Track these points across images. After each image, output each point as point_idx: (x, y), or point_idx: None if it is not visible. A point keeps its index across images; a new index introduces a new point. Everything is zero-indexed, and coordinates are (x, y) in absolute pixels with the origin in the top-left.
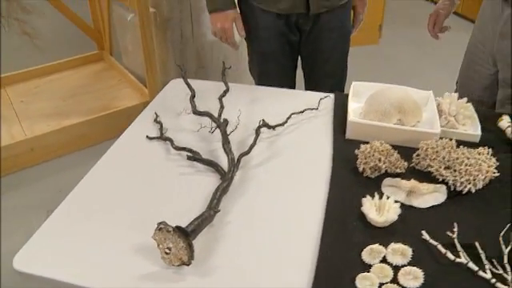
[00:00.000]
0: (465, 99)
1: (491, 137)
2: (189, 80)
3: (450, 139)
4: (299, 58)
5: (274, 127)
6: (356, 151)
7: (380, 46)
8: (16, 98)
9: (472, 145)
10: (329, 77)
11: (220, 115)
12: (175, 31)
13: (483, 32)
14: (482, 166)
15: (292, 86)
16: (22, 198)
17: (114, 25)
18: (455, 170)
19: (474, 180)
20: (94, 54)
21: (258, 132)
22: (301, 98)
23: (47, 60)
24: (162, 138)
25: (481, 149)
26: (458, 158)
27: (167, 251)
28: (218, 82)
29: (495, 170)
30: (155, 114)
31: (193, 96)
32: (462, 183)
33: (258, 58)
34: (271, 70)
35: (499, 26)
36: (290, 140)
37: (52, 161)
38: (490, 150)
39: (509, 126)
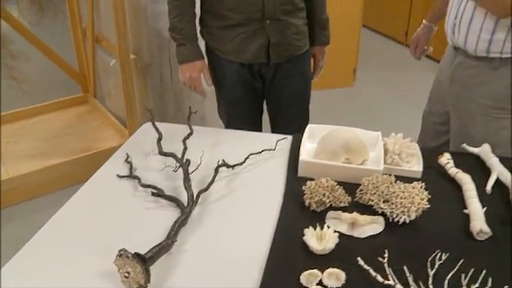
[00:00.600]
0: (409, 139)
1: (433, 172)
2: (162, 123)
3: (390, 175)
4: (265, 103)
5: (232, 166)
6: (303, 187)
7: (355, 89)
8: (2, 138)
9: (414, 180)
10: (292, 121)
11: (183, 156)
12: (155, 76)
13: (442, 74)
14: (415, 199)
15: (258, 129)
16: (4, 234)
17: (98, 69)
18: (392, 203)
19: (408, 211)
20: (79, 97)
21: (216, 171)
22: (261, 139)
23: (34, 102)
24: (131, 176)
25: (415, 183)
26: (394, 192)
27: (126, 275)
28: (194, 126)
29: (427, 202)
30: (126, 154)
31: (159, 139)
32: (397, 214)
33: (225, 103)
34: (238, 115)
35: (450, 72)
36: (247, 178)
37: (34, 200)
38: (423, 184)
39: (448, 163)
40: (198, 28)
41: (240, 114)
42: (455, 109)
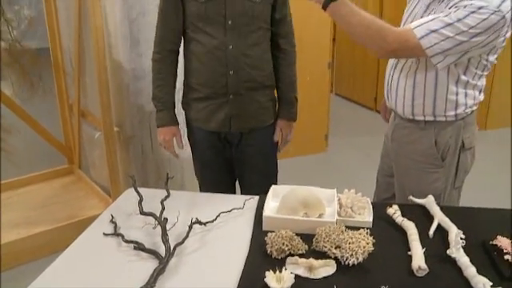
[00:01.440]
0: (360, 194)
1: (382, 222)
2: (143, 188)
3: (340, 225)
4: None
5: (205, 223)
6: (265, 238)
7: (328, 154)
8: None
9: (368, 229)
10: (258, 185)
11: (161, 215)
12: (137, 147)
13: (387, 133)
14: (361, 243)
15: (231, 189)
16: None
17: (84, 142)
18: (342, 248)
19: (356, 254)
20: (65, 168)
21: (190, 227)
22: (231, 200)
23: (22, 173)
24: (115, 234)
25: (361, 230)
26: (344, 239)
27: None
28: (172, 190)
29: (372, 246)
30: (111, 215)
31: (140, 201)
32: (347, 258)
33: (199, 166)
34: (210, 177)
35: (391, 131)
36: (218, 233)
37: (20, 267)
38: (368, 230)
39: (394, 213)
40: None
41: (211, 175)
42: (395, 164)
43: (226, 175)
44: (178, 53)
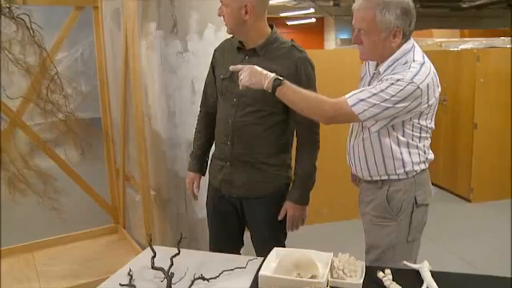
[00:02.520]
0: (353, 257)
1: (373, 285)
2: (164, 247)
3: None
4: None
5: (208, 279)
6: None
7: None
8: (40, 261)
9: None
10: (263, 245)
11: (169, 269)
12: (172, 209)
13: None
14: None
15: (237, 241)
16: None
17: (127, 203)
18: None
19: None
20: (110, 227)
21: (193, 282)
22: (237, 260)
23: (70, 230)
24: (129, 285)
25: None
26: None
27: None
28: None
29: None
30: (129, 268)
31: (153, 256)
32: None
33: (208, 215)
34: (215, 231)
35: (359, 194)
36: None
37: None
38: None
39: (384, 276)
40: None
41: (215, 225)
42: (363, 223)
43: (230, 228)
44: (212, 115)
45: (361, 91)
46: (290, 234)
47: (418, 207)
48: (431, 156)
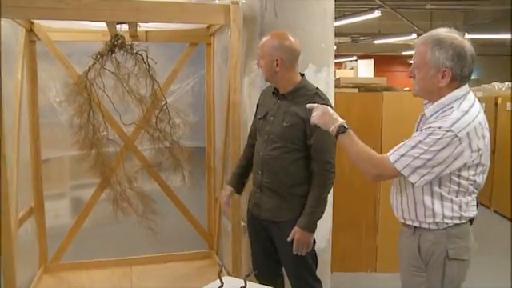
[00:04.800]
0: None
1: None
2: (235, 278)
3: None
4: None
5: None
6: None
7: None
8: (136, 275)
9: None
10: (292, 276)
11: None
12: None
13: None
14: None
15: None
16: None
17: (222, 231)
18: None
19: None
20: (204, 252)
21: None
22: None
23: (166, 250)
24: None
25: None
26: None
27: None
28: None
29: None
30: None
31: (220, 286)
32: None
33: (249, 236)
34: (255, 246)
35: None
36: None
37: None
38: None
39: None
40: None
41: (255, 247)
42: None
43: (265, 244)
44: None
45: (401, 146)
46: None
47: (451, 261)
48: (471, 214)
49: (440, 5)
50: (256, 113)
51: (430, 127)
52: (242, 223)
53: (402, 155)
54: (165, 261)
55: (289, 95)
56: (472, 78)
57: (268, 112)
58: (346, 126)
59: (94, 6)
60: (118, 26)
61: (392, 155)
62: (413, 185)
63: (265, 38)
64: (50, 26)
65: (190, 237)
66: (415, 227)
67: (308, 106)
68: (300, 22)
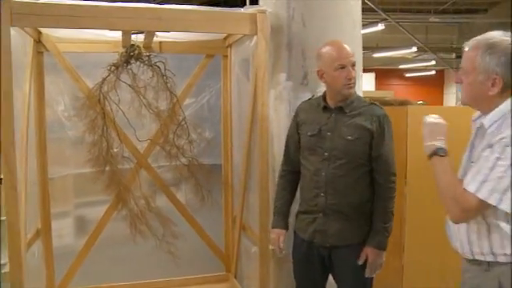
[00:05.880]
0: None
1: None
2: None
3: None
4: None
5: None
6: None
7: None
8: None
9: None
10: None
11: None
12: (288, 266)
13: None
14: None
15: None
16: None
17: (242, 253)
18: None
19: None
20: (221, 275)
21: None
22: None
23: (183, 273)
24: None
25: None
26: None
27: None
28: None
29: None
30: None
31: None
32: None
33: (294, 266)
34: (299, 276)
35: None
36: None
37: None
38: None
39: None
40: None
41: (300, 275)
42: None
43: (315, 276)
44: (296, 173)
45: (476, 173)
46: None
47: None
48: None
49: (443, 18)
50: (295, 134)
51: (502, 138)
52: (271, 247)
53: (484, 181)
54: (182, 285)
55: (346, 107)
56: None
57: (321, 128)
58: (444, 148)
59: (112, 14)
60: (132, 36)
61: (470, 185)
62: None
63: None
64: (58, 37)
65: (205, 258)
66: (489, 262)
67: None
68: (329, 32)
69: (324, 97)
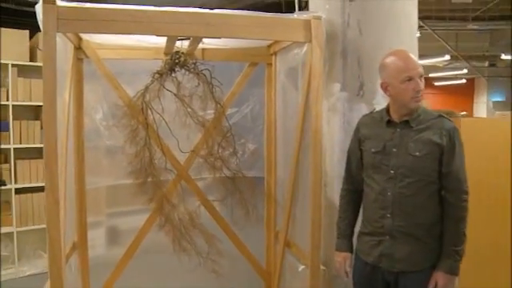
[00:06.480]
0: None
1: None
2: None
3: None
4: None
5: None
6: None
7: None
8: None
9: None
10: None
11: None
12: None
13: None
14: None
15: None
16: None
17: (285, 271)
18: None
19: None
20: None
21: None
22: None
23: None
24: None
25: None
26: None
27: None
28: None
29: None
30: None
31: None
32: None
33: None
34: None
35: None
36: None
37: None
38: None
39: None
40: None
41: None
42: None
43: None
44: (358, 192)
45: None
46: None
47: None
48: None
49: (482, 25)
50: (358, 150)
51: None
52: (322, 267)
53: None
54: None
55: (413, 121)
56: (499, 100)
57: (386, 144)
58: None
59: (159, 19)
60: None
61: None
62: None
63: None
64: (98, 43)
65: (243, 273)
66: None
67: None
68: (386, 40)
69: (387, 110)
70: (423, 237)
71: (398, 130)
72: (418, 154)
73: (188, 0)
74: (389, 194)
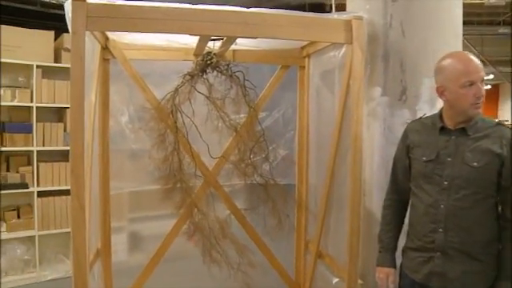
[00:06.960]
0: None
1: None
2: None
3: None
4: None
5: None
6: None
7: None
8: None
9: None
10: None
11: None
12: None
13: None
14: None
15: None
16: None
17: (316, 282)
18: None
19: None
20: None
21: None
22: None
23: None
24: None
25: None
26: None
27: None
28: None
29: None
30: None
31: None
32: None
33: None
34: None
35: None
36: None
37: None
38: None
39: None
40: None
41: None
42: None
43: None
44: (404, 203)
45: None
46: None
47: None
48: None
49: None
50: (406, 158)
51: None
52: (360, 281)
53: None
54: None
55: (470, 129)
56: None
57: (440, 152)
58: None
59: (192, 17)
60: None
61: None
62: None
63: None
64: (126, 43)
65: (270, 283)
66: None
67: None
68: (431, 42)
69: (440, 115)
70: (479, 255)
71: (453, 137)
72: (475, 164)
73: None
74: (442, 206)
